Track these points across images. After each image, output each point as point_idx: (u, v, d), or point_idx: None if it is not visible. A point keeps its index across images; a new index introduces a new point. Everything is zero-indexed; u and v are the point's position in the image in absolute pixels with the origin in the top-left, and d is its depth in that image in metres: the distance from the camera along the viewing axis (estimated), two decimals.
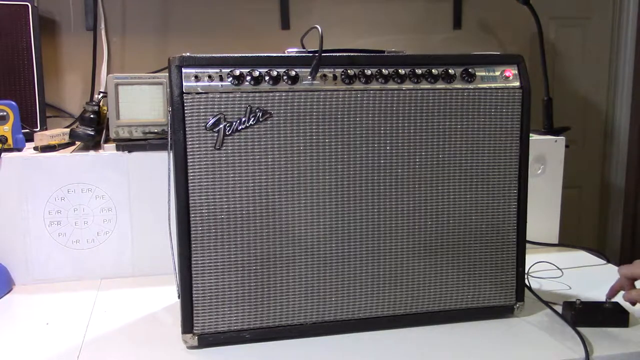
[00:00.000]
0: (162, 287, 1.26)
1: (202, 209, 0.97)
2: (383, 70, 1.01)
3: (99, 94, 1.48)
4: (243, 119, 0.97)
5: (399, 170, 1.03)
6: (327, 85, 0.99)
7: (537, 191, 1.52)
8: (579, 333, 1.02)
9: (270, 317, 1.02)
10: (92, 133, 1.34)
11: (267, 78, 0.97)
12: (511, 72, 1.06)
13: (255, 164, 0.98)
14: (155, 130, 1.33)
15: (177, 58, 0.95)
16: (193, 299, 0.99)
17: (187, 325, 0.99)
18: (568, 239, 1.61)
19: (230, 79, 0.96)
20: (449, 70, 1.04)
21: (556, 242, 1.58)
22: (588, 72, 2.15)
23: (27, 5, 1.50)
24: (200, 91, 0.95)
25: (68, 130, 1.37)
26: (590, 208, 2.25)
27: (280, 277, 1.01)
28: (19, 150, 1.34)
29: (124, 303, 1.20)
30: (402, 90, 1.02)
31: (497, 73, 1.06)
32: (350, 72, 1.00)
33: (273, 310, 1.02)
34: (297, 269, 1.02)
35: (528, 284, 1.14)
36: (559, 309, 1.11)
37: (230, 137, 0.96)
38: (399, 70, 1.02)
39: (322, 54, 0.98)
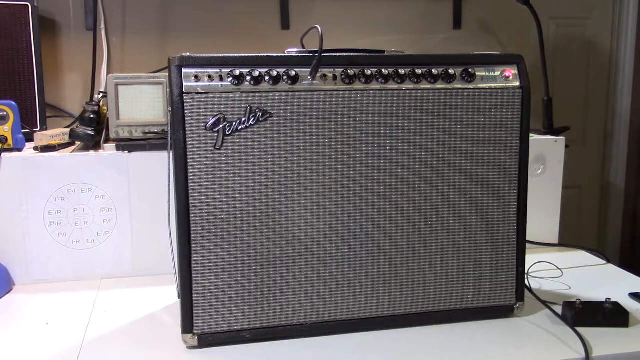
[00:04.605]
0: (162, 287, 1.26)
1: (202, 209, 0.97)
2: (383, 70, 1.01)
3: (99, 94, 1.48)
4: (243, 119, 0.97)
5: (399, 170, 1.03)
6: (327, 85, 0.99)
7: (537, 191, 1.52)
8: (578, 333, 1.02)
9: (270, 317, 1.02)
10: (92, 133, 1.34)
11: (267, 78, 0.97)
12: (511, 72, 1.06)
13: (255, 164, 0.98)
14: (155, 130, 1.33)
15: (177, 58, 0.95)
16: (193, 299, 0.99)
17: (187, 325, 0.99)
18: (568, 239, 1.61)
19: (230, 79, 0.96)
20: (449, 70, 1.04)
21: (556, 242, 1.58)
22: (588, 72, 2.15)
23: (27, 5, 1.50)
24: (200, 91, 0.95)
25: (68, 130, 1.37)
26: (590, 208, 2.25)
27: (280, 277, 1.01)
28: (19, 150, 1.34)
29: (124, 303, 1.20)
30: (402, 90, 1.02)
31: (497, 73, 1.06)
32: (350, 72, 1.00)
33: (273, 310, 1.02)
34: (297, 269, 1.02)
35: (528, 284, 1.14)
36: (559, 309, 1.11)
37: (230, 137, 0.96)
38: (399, 70, 1.02)
39: (322, 54, 0.98)
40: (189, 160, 0.96)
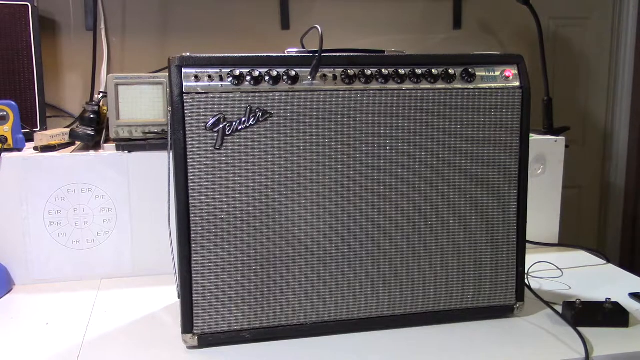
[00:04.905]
0: (162, 287, 1.26)
1: (202, 209, 0.97)
2: (383, 70, 1.01)
3: (99, 94, 1.48)
4: (243, 119, 0.97)
5: (399, 170, 1.03)
6: (327, 85, 0.99)
7: (537, 191, 1.52)
8: (579, 333, 1.02)
9: (270, 317, 1.02)
10: (92, 133, 1.34)
11: (267, 78, 0.97)
12: (511, 72, 1.06)
13: (255, 164, 0.98)
14: (155, 130, 1.33)
15: (177, 58, 0.95)
16: (193, 299, 0.99)
17: (187, 325, 0.99)
18: (568, 239, 1.61)
19: (230, 79, 0.96)
20: (449, 70, 1.04)
21: (556, 242, 1.58)
22: (588, 72, 2.15)
23: (27, 5, 1.50)
24: (200, 91, 0.95)
25: (68, 130, 1.37)
26: (590, 208, 2.25)
27: (280, 277, 1.01)
28: (19, 150, 1.34)
29: (124, 303, 1.20)
30: (402, 90, 1.02)
31: (497, 73, 1.06)
32: (350, 72, 1.00)
33: (273, 310, 1.02)
34: (297, 269, 1.02)
35: (528, 284, 1.14)
36: (559, 309, 1.11)
37: (230, 137, 0.96)
38: (399, 70, 1.02)
39: (322, 54, 0.98)
40: (189, 160, 0.96)
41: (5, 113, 1.33)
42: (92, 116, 1.37)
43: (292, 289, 1.02)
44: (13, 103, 1.34)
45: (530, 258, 1.25)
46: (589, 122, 2.18)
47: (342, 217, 1.02)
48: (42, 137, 1.34)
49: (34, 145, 1.33)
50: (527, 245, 1.13)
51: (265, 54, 0.99)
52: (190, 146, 0.95)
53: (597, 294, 1.21)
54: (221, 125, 0.96)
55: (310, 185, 1.00)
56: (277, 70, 0.98)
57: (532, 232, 1.44)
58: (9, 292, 1.27)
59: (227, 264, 0.99)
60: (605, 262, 1.44)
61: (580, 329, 1.03)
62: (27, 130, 1.42)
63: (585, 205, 2.24)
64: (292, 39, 1.78)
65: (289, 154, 0.99)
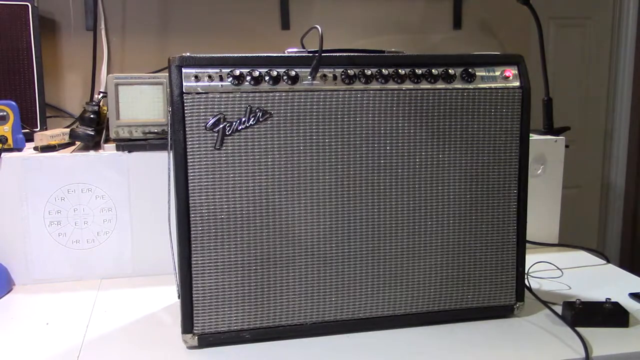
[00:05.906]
0: (162, 287, 1.26)
1: (202, 209, 0.97)
2: (383, 70, 1.01)
3: (99, 94, 1.48)
4: (243, 119, 0.97)
5: (399, 170, 1.03)
6: (327, 85, 0.99)
7: (537, 191, 1.52)
8: (578, 333, 1.02)
9: (270, 317, 1.02)
10: (92, 133, 1.34)
11: (267, 78, 0.97)
12: (511, 72, 1.06)
13: (255, 164, 0.98)
14: (155, 130, 1.33)
15: (177, 58, 0.95)
16: (193, 299, 0.99)
17: (187, 325, 0.99)
18: (568, 239, 1.61)
19: (230, 79, 0.96)
20: (449, 70, 1.04)
21: (556, 242, 1.58)
22: (588, 72, 2.15)
23: (27, 5, 1.50)
24: (200, 91, 0.95)
25: (68, 130, 1.37)
26: (590, 208, 2.25)
27: (280, 277, 1.01)
28: (19, 150, 1.34)
29: (124, 303, 1.20)
30: (402, 90, 1.02)
31: (497, 73, 1.06)
32: (350, 72, 1.00)
33: (273, 310, 1.02)
34: (297, 269, 1.02)
35: (528, 284, 1.14)
36: (559, 309, 1.11)
37: (230, 137, 0.96)
38: (399, 70, 1.02)
39: (322, 54, 0.98)
40: (189, 160, 0.96)
41: (5, 113, 1.33)
42: (92, 116, 1.37)
43: (292, 289, 1.02)
44: (13, 103, 1.34)
45: (530, 258, 1.25)
46: (589, 122, 2.18)
47: (342, 217, 1.02)
48: (42, 137, 1.34)
49: (34, 145, 1.33)
50: (527, 245, 1.13)
51: (265, 54, 0.99)
52: (190, 146, 0.95)
53: (597, 294, 1.21)
54: (221, 125, 0.96)
55: (310, 185, 1.00)
56: (277, 70, 0.98)
57: (532, 232, 1.44)
58: (9, 292, 1.27)
59: (227, 264, 0.99)
60: (605, 262, 1.44)
61: (580, 329, 1.03)
62: (27, 130, 1.42)
63: (585, 205, 2.24)
64: (292, 39, 1.78)
65: (289, 154, 0.99)
